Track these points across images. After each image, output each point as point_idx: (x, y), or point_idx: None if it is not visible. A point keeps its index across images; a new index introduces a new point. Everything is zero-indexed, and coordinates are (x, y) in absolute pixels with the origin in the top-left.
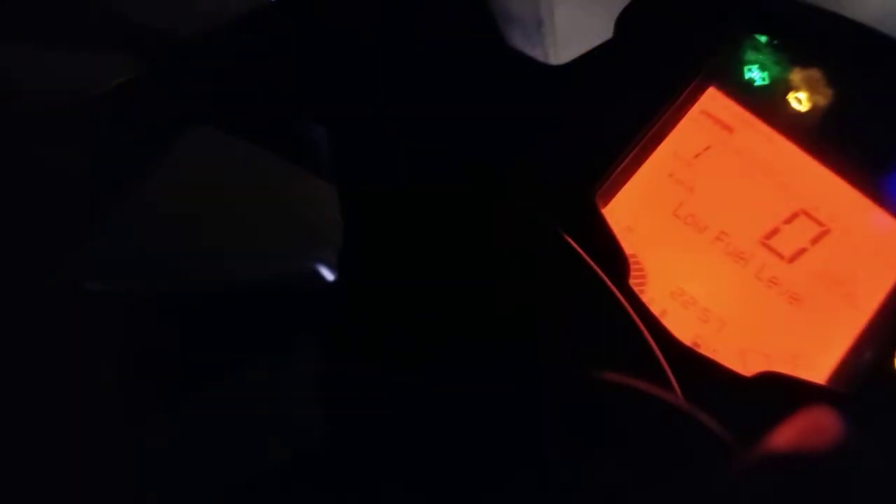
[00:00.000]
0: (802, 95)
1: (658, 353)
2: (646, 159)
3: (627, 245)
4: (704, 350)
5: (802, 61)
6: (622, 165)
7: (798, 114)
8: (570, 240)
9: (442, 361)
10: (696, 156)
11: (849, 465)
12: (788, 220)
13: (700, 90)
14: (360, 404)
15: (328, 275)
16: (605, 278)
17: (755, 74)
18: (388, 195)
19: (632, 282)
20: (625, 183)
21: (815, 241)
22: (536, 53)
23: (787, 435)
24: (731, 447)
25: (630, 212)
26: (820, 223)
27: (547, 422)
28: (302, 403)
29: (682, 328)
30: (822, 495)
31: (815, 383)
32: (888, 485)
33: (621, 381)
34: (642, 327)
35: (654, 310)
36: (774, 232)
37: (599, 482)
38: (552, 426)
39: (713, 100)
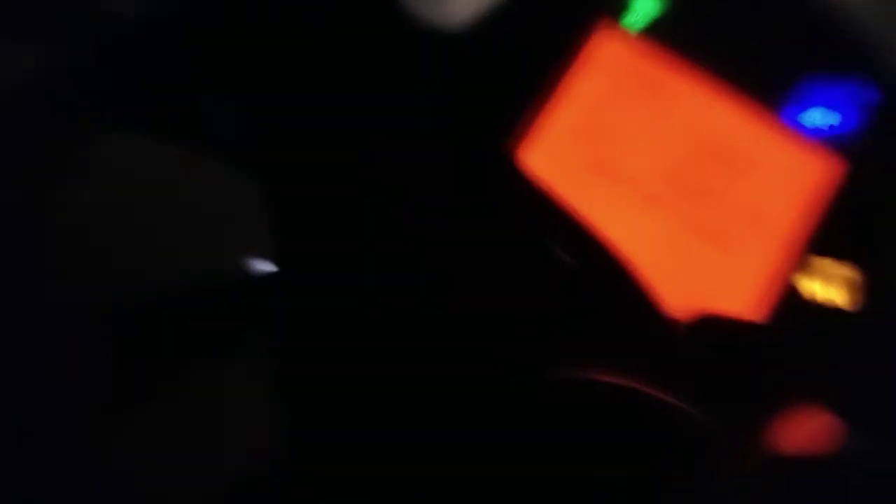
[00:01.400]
0: (693, 28)
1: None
2: (551, 108)
3: None
4: None
5: None
6: (529, 117)
7: (696, 49)
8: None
9: (394, 347)
10: (599, 100)
11: (847, 468)
12: (695, 157)
13: (596, 35)
14: (314, 397)
15: (263, 267)
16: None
17: (643, 10)
18: (310, 177)
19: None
20: (532, 133)
21: (722, 173)
22: (434, 17)
23: (791, 440)
24: (728, 445)
25: (539, 161)
26: (725, 156)
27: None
28: (255, 401)
29: None
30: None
31: (738, 317)
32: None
33: (617, 382)
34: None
35: None
36: (683, 170)
37: (594, 479)
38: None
39: (609, 44)
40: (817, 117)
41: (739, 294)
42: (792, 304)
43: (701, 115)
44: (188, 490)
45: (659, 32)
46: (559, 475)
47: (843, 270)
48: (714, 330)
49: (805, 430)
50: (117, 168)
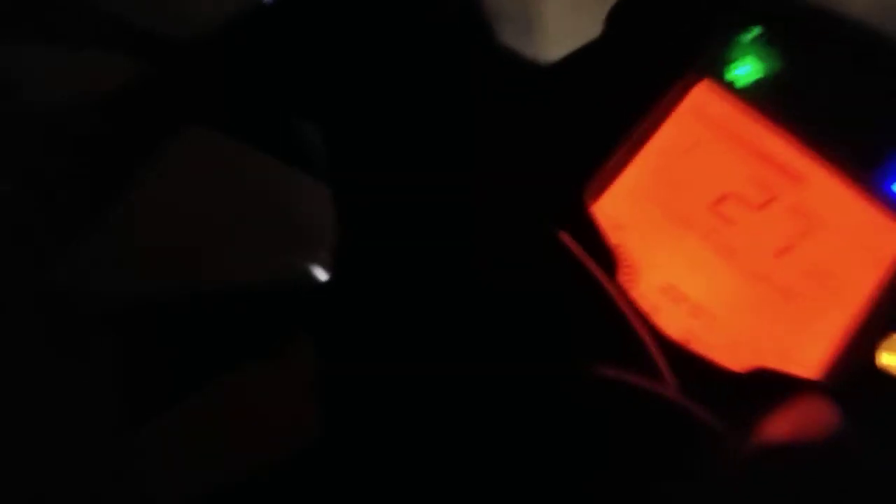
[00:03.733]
0: (792, 91)
1: (650, 349)
2: (636, 155)
3: (617, 241)
4: (696, 345)
5: (792, 57)
6: (612, 162)
7: (787, 110)
8: (563, 237)
9: (437, 360)
10: (686, 151)
11: (843, 457)
12: (777, 215)
13: (690, 86)
14: (356, 403)
15: (321, 274)
16: (597, 275)
17: (745, 70)
18: (382, 194)
19: (622, 278)
20: (615, 179)
21: (804, 235)
22: (527, 51)
23: (783, 427)
24: (726, 440)
25: (620, 208)
26: (809, 218)
27: (542, 419)
28: (298, 403)
29: (673, 324)
30: (817, 487)
31: (805, 378)
32: (883, 477)
33: (615, 378)
34: (633, 324)
35: (645, 306)
36: (764, 227)
37: (595, 479)
38: (547, 423)
39: (703, 95)
40: None
41: (806, 355)
42: (863, 373)
43: (788, 175)
44: (217, 483)
45: (757, 91)
46: (566, 468)
47: None
48: (769, 384)
49: (797, 417)
50: (193, 164)
